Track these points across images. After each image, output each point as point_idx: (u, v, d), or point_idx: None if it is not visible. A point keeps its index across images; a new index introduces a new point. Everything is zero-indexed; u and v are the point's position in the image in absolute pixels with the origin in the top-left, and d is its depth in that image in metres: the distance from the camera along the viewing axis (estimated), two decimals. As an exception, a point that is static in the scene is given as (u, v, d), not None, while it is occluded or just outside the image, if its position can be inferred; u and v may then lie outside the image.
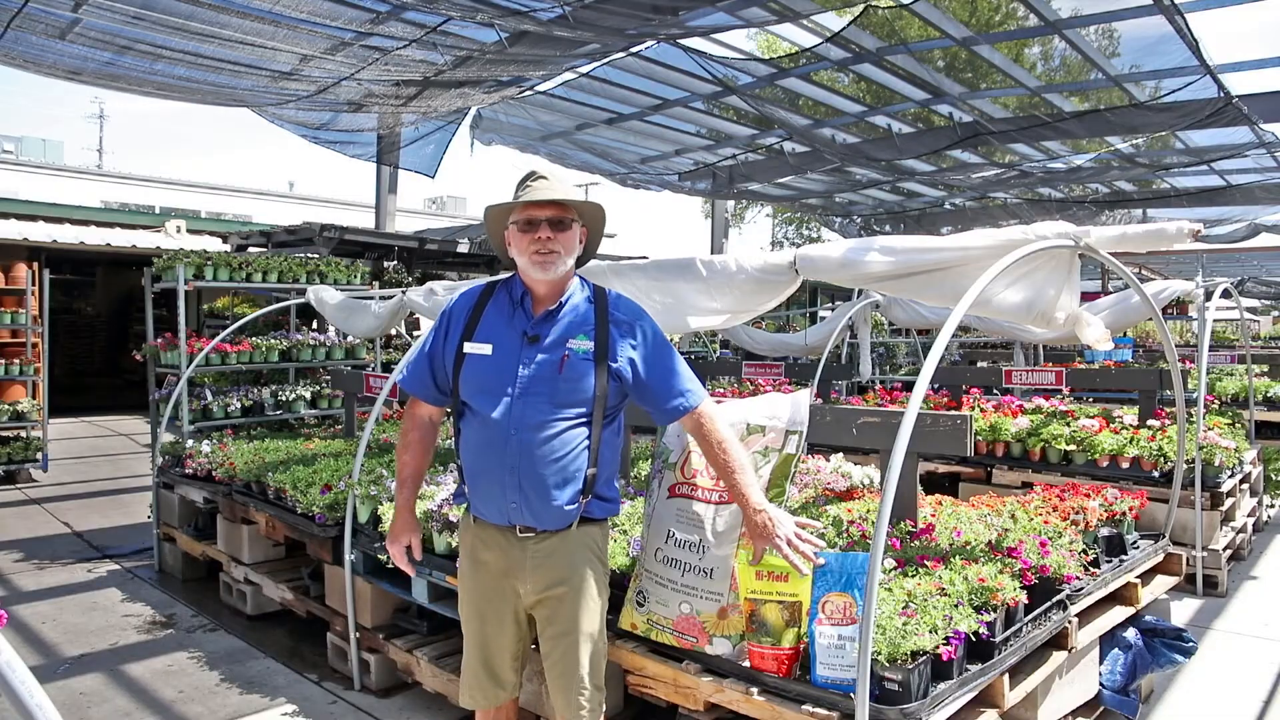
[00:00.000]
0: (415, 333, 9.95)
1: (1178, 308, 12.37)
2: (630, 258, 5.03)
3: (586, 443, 2.32)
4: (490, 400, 2.29)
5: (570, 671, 2.37)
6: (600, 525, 2.46)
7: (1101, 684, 3.24)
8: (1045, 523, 3.14)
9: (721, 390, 7.85)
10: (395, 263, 10.90)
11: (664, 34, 6.16)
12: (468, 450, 2.38)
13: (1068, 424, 5.38)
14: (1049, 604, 2.76)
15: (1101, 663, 3.25)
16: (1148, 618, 3.51)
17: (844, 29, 6.43)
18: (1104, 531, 3.36)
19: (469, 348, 2.34)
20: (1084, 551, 3.05)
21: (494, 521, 2.36)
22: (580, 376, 2.28)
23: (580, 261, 2.46)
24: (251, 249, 11.38)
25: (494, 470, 2.30)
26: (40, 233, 12.28)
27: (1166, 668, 3.49)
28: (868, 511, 3.29)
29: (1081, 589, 2.97)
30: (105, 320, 17.74)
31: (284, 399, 6.74)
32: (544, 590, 2.37)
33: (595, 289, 2.42)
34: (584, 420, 2.31)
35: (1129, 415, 5.58)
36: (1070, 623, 2.82)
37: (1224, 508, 5.25)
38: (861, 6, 6.18)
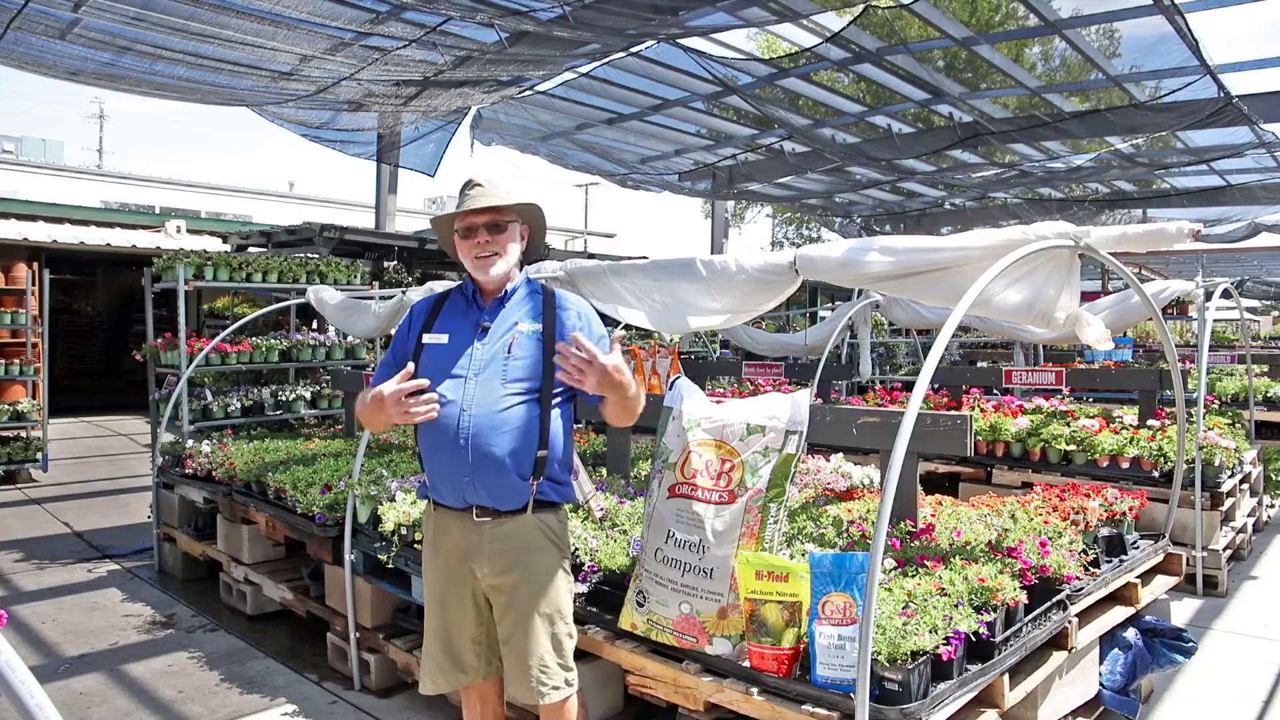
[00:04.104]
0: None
1: (1178, 308, 12.38)
2: (630, 258, 5.03)
3: (536, 420, 2.42)
4: (447, 383, 2.42)
5: (526, 654, 2.43)
6: (556, 511, 2.54)
7: (1101, 684, 3.24)
8: (1045, 523, 3.15)
9: (721, 390, 7.85)
10: (395, 263, 10.89)
11: (664, 34, 6.15)
12: (425, 434, 2.47)
13: (1068, 424, 5.38)
14: (1049, 604, 2.76)
15: (1101, 663, 3.26)
16: (1148, 618, 3.51)
17: (844, 29, 6.42)
18: (1104, 531, 3.36)
19: (427, 338, 2.50)
20: (1084, 551, 3.05)
21: (451, 505, 2.47)
22: (527, 355, 2.43)
23: (529, 256, 2.64)
24: (251, 249, 11.36)
25: (448, 448, 2.40)
26: (40, 233, 12.27)
27: (1166, 668, 3.50)
28: (868, 511, 3.29)
29: (1081, 589, 2.97)
30: (105, 320, 17.74)
31: (284, 399, 6.74)
32: (500, 574, 2.44)
33: (542, 286, 2.60)
34: (532, 398, 2.42)
35: (1129, 415, 5.58)
36: (1070, 623, 2.82)
37: (1224, 508, 5.25)
38: (861, 6, 6.17)
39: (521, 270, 2.61)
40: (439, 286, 5.09)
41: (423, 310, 2.59)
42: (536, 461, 2.43)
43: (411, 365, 2.36)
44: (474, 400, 2.39)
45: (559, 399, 2.48)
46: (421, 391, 2.28)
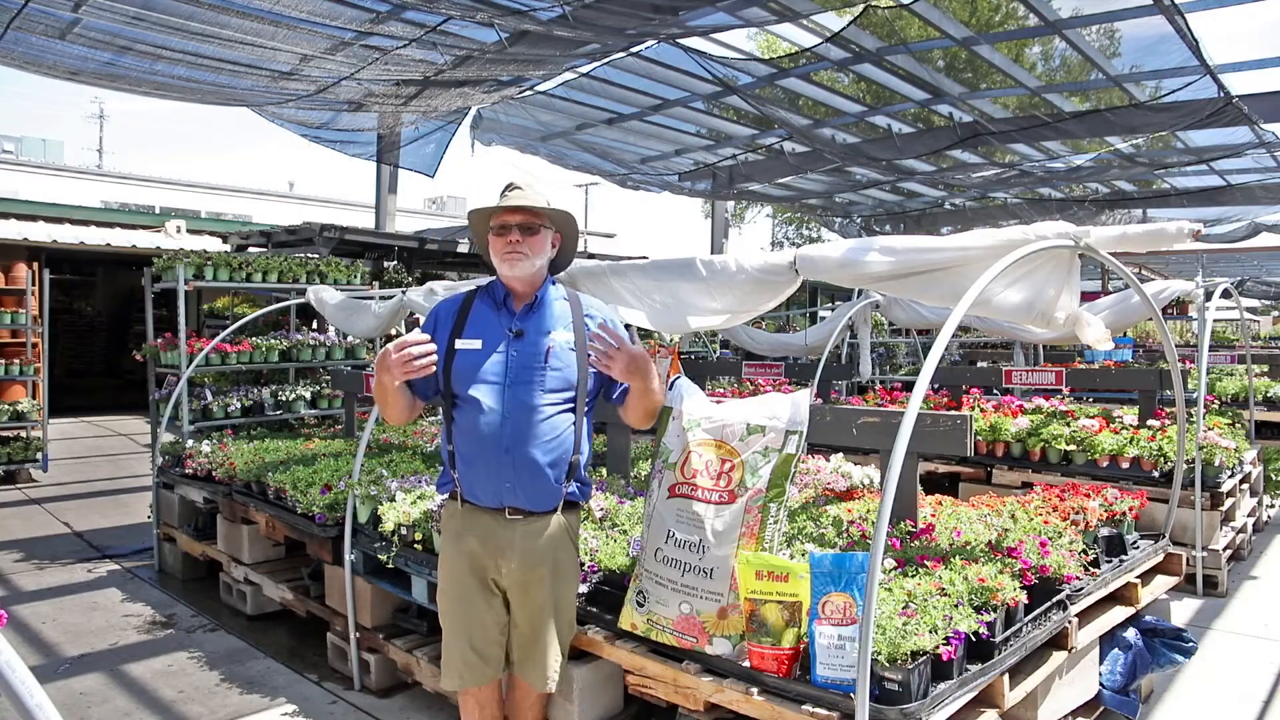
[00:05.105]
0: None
1: (1178, 308, 12.38)
2: (630, 258, 5.03)
3: (571, 428, 2.53)
4: (483, 389, 2.48)
5: (543, 645, 2.56)
6: (577, 511, 2.68)
7: (1101, 684, 3.24)
8: (1045, 523, 3.14)
9: (721, 390, 7.85)
10: (395, 263, 10.89)
11: (664, 34, 6.15)
12: (462, 438, 2.53)
13: (1068, 424, 5.38)
14: (1049, 604, 2.76)
15: (1101, 663, 3.26)
16: (1148, 618, 3.51)
17: (844, 29, 6.42)
18: (1104, 531, 3.36)
19: (460, 344, 2.53)
20: (1084, 551, 3.05)
21: (487, 505, 2.53)
22: (564, 365, 2.51)
23: (558, 265, 2.70)
24: (251, 249, 11.36)
25: (489, 454, 2.47)
26: (40, 233, 12.27)
27: (1166, 668, 3.49)
28: (868, 511, 3.29)
29: (1081, 589, 2.97)
30: (105, 320, 17.74)
31: (284, 399, 6.73)
32: (528, 570, 2.52)
33: (569, 291, 2.67)
34: (569, 406, 2.54)
35: (1129, 415, 5.58)
36: (1070, 623, 2.82)
37: (1224, 508, 5.25)
38: (861, 6, 6.18)
39: (548, 278, 2.65)
40: (438, 286, 5.09)
41: (449, 314, 2.61)
42: (570, 466, 2.54)
43: (428, 338, 2.38)
44: (514, 408, 2.46)
45: (589, 406, 2.60)
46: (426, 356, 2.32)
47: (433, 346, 2.34)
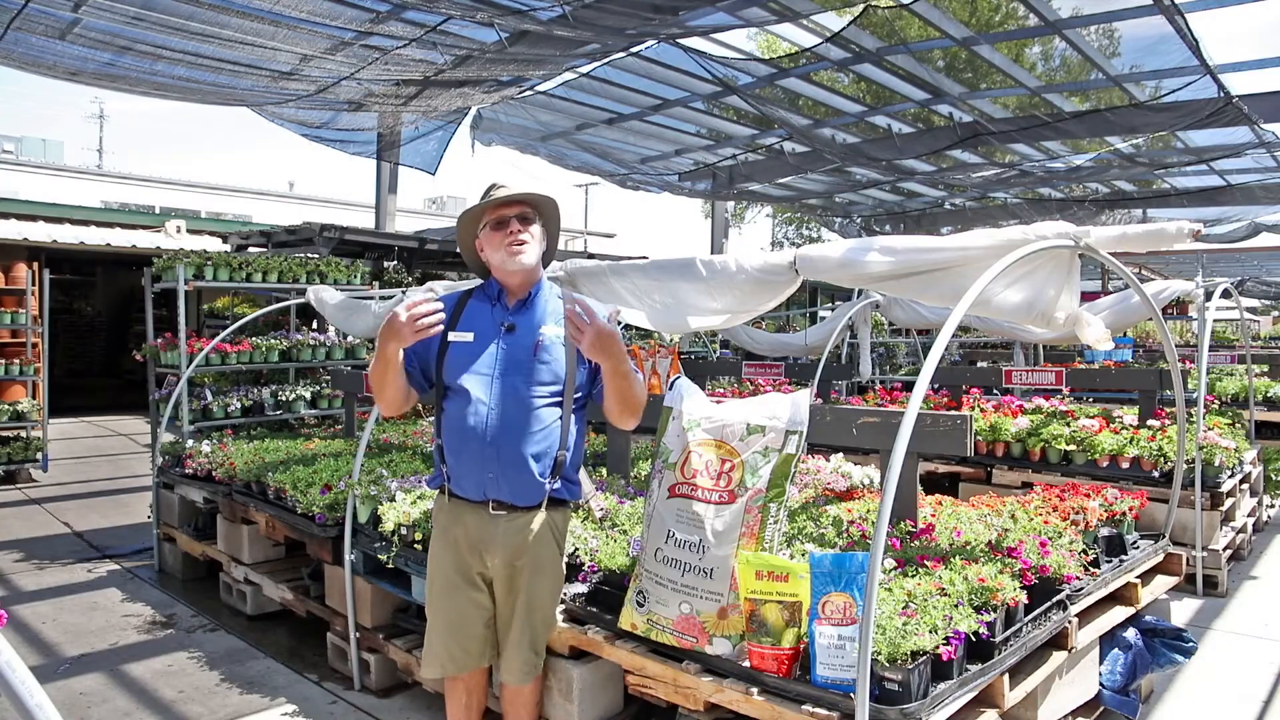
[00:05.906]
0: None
1: (1178, 308, 12.38)
2: (630, 258, 5.03)
3: (558, 422, 2.55)
4: (472, 381, 2.53)
5: (520, 640, 2.60)
6: (564, 510, 2.69)
7: (1101, 684, 3.24)
8: (1045, 523, 3.14)
9: (721, 390, 7.85)
10: (395, 263, 10.89)
11: (664, 34, 6.15)
12: (449, 428, 2.57)
13: (1068, 424, 5.38)
14: (1049, 604, 2.76)
15: (1101, 663, 3.26)
16: (1148, 618, 3.51)
17: (844, 29, 6.43)
18: (1104, 531, 3.36)
19: (453, 336, 2.59)
20: (1084, 551, 3.05)
21: (471, 498, 2.57)
22: (553, 359, 2.55)
23: (545, 257, 2.73)
24: (251, 249, 11.36)
25: (474, 444, 2.51)
26: (40, 233, 12.27)
27: (1166, 668, 3.49)
28: (868, 511, 3.29)
29: (1081, 589, 2.97)
30: (105, 320, 17.75)
31: (284, 399, 6.73)
32: (509, 563, 2.56)
33: (565, 292, 2.71)
34: (556, 400, 2.55)
35: (1129, 415, 5.58)
36: (1070, 623, 2.82)
37: (1224, 508, 5.25)
38: (861, 6, 6.18)
39: (541, 276, 2.70)
40: (438, 286, 5.08)
41: (447, 309, 2.63)
42: (556, 461, 2.55)
43: (434, 296, 2.43)
44: (500, 400, 2.49)
45: (578, 402, 2.61)
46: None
47: (440, 305, 2.35)
